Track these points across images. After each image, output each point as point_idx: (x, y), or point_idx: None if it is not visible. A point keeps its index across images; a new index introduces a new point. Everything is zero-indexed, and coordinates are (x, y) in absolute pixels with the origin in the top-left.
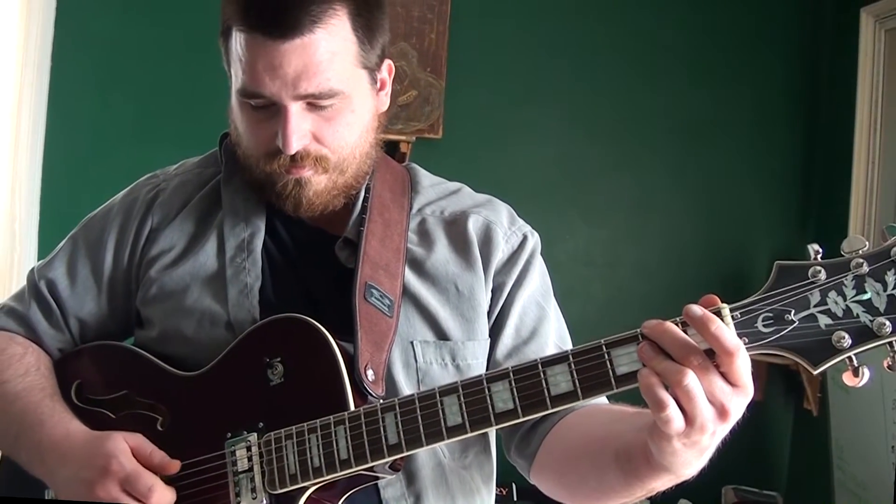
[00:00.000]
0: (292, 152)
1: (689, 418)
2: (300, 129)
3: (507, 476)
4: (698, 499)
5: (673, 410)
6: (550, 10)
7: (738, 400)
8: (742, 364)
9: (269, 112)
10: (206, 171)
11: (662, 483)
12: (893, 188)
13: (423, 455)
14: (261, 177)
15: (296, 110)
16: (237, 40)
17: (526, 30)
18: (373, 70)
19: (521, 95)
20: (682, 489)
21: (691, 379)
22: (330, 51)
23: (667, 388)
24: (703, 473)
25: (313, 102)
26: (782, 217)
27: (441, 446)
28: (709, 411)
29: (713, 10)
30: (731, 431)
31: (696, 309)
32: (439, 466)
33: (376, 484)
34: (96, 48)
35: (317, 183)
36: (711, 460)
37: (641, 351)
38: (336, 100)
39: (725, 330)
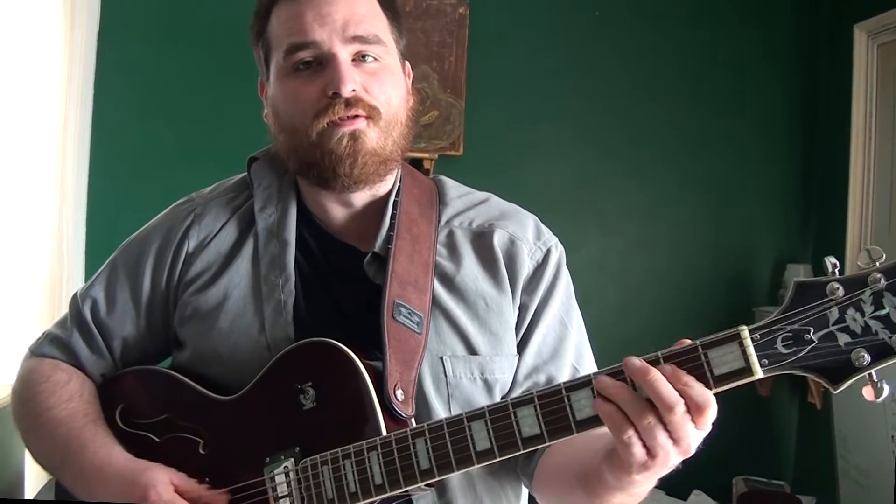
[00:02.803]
0: (347, 90)
1: (648, 453)
2: (351, 73)
3: None
4: (710, 489)
5: (635, 446)
6: (562, 33)
7: (700, 437)
8: (711, 416)
9: (317, 71)
10: (240, 195)
11: (619, 500)
12: (888, 194)
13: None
14: (310, 148)
15: (345, 56)
16: (281, 13)
17: (539, 52)
18: (402, 54)
19: (537, 114)
20: (695, 480)
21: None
22: (370, 10)
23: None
24: (715, 465)
25: (360, 51)
26: (784, 223)
27: None
28: (668, 447)
29: (716, 30)
30: (740, 426)
31: (635, 361)
32: (468, 475)
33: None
34: (136, 76)
35: (370, 137)
36: (723, 452)
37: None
38: (380, 50)
39: (695, 390)
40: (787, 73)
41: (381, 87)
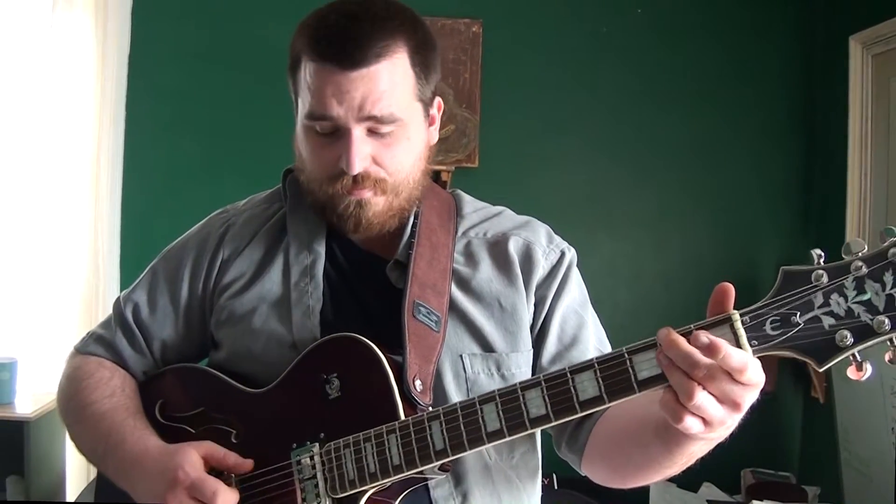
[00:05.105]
0: (355, 173)
1: (704, 422)
2: (362, 152)
3: (548, 467)
4: (720, 481)
5: (689, 421)
6: (571, 49)
7: (750, 394)
8: (752, 375)
9: (333, 137)
10: (272, 206)
11: (699, 448)
12: (885, 197)
13: (471, 458)
14: (323, 199)
15: (359, 134)
16: (307, 70)
17: (550, 67)
18: (427, 104)
19: (548, 125)
20: (705, 473)
21: (699, 396)
22: (392, 81)
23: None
24: (724, 458)
25: (374, 128)
26: (786, 226)
27: (488, 449)
28: (721, 412)
29: (718, 43)
30: (748, 421)
31: (703, 338)
32: (486, 468)
33: (426, 484)
34: (166, 97)
35: (375, 204)
36: (731, 446)
37: (658, 358)
38: (395, 126)
39: (732, 356)
40: (788, 83)
41: (393, 158)
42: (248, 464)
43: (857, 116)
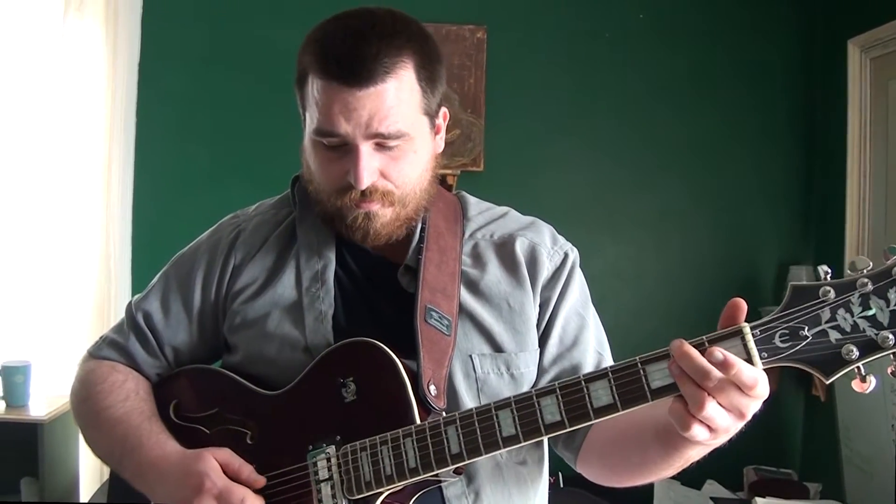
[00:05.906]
0: (363, 188)
1: (710, 430)
2: (370, 167)
3: (554, 466)
4: (723, 478)
5: (696, 429)
6: (574, 54)
7: (755, 404)
8: (760, 391)
9: (341, 151)
10: (281, 211)
11: (697, 452)
12: (884, 198)
13: (482, 458)
14: (331, 210)
15: (366, 150)
16: (314, 86)
17: (553, 72)
18: (433, 116)
19: (552, 129)
20: (708, 470)
21: (709, 408)
22: (398, 98)
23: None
24: (726, 455)
25: (381, 143)
26: (786, 227)
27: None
28: (728, 421)
29: (721, 48)
30: (750, 420)
31: (718, 354)
32: (497, 466)
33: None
34: (176, 102)
35: (383, 215)
36: (734, 444)
37: (671, 368)
38: (402, 141)
39: (744, 372)
40: (788, 86)
41: (400, 171)
42: (261, 480)
43: (857, 118)
